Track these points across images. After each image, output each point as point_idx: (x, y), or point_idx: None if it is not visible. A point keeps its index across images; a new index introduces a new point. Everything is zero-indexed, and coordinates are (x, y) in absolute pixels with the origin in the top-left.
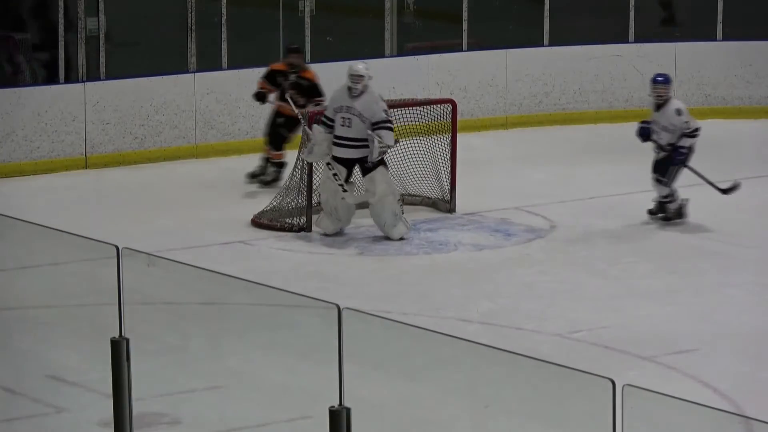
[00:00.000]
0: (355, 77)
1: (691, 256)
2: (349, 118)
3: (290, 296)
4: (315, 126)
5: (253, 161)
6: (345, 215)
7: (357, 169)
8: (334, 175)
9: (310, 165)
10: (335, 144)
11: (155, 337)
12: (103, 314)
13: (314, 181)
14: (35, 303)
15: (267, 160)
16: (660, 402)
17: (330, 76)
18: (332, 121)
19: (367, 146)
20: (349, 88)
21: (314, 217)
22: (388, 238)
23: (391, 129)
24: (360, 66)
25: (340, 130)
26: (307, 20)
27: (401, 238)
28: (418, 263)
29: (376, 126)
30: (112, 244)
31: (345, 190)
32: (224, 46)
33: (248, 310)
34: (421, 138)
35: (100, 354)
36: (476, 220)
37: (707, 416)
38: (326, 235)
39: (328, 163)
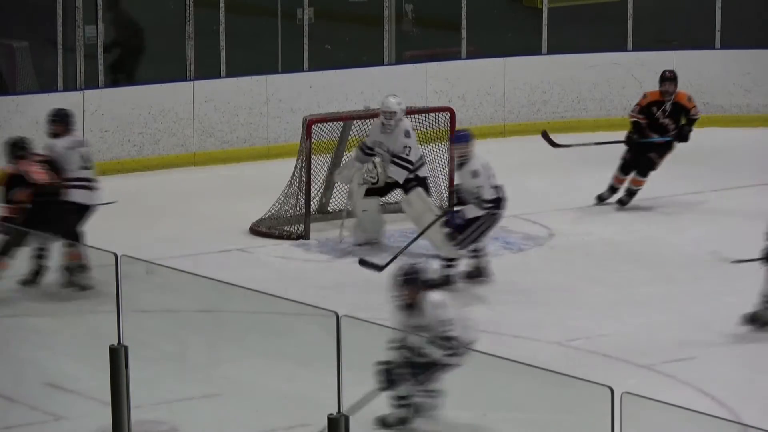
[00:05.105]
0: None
1: (689, 264)
2: None
3: (289, 304)
4: None
5: (250, 169)
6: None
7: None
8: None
9: (309, 173)
10: None
11: (154, 345)
12: (102, 322)
13: (312, 189)
14: (34, 311)
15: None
16: (658, 410)
17: (327, 84)
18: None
19: None
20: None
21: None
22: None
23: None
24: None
25: None
26: (306, 28)
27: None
28: None
29: None
30: (111, 252)
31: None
32: (223, 54)
33: (247, 317)
34: (419, 146)
35: (99, 361)
36: None
37: (705, 424)
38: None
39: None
